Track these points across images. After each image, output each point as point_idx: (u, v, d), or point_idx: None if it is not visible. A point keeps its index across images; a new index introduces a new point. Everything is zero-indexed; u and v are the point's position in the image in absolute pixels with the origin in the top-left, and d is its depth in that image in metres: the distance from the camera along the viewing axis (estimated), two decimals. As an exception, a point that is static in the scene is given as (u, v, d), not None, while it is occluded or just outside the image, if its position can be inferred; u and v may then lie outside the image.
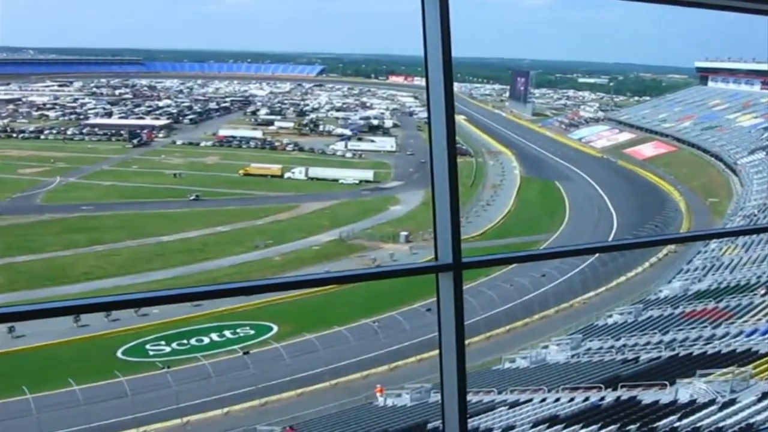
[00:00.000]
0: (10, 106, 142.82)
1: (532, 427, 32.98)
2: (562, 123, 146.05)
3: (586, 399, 35.32)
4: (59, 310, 4.90)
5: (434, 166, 5.75)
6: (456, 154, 5.74)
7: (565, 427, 31.69)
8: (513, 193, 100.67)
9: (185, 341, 55.40)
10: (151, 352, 53.72)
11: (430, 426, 35.61)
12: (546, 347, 48.49)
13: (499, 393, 38.80)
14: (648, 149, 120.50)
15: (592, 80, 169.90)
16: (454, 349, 5.91)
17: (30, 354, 52.10)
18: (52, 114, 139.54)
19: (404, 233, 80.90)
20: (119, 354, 52.86)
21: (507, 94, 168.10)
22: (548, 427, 32.35)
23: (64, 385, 44.99)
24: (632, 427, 29.91)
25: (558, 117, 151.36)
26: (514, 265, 62.05)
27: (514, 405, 36.79)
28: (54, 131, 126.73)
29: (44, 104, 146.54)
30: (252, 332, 57.09)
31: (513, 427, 33.30)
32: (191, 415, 43.91)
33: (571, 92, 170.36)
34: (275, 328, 57.38)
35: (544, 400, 36.84)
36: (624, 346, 44.68)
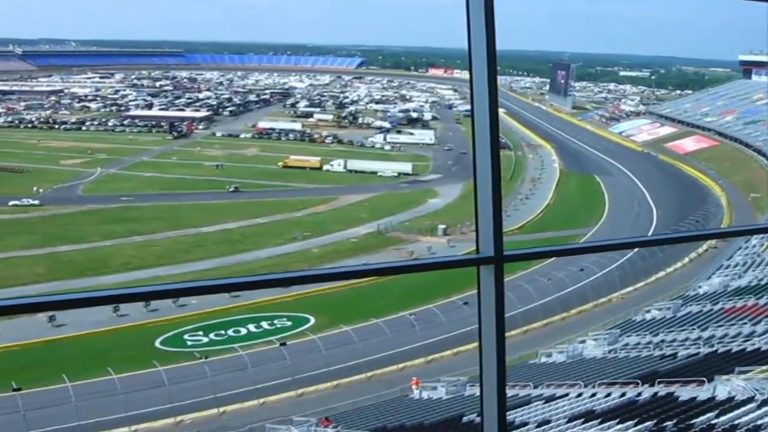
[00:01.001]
0: (53, 98, 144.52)
1: (568, 421, 32.74)
2: (603, 116, 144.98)
3: (623, 394, 35.01)
4: (99, 299, 4.90)
5: (477, 159, 5.70)
6: (499, 147, 5.69)
7: (600, 423, 31.44)
8: (552, 187, 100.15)
9: (223, 332, 55.75)
10: (189, 342, 54.14)
11: (465, 419, 35.50)
12: (583, 342, 48.16)
13: (535, 387, 38.57)
14: (689, 143, 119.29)
15: (633, 73, 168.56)
16: (494, 342, 5.83)
17: (70, 343, 52.75)
18: (93, 105, 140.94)
19: (442, 226, 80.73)
20: (157, 344, 53.32)
21: (547, 87, 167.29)
22: (584, 422, 32.10)
23: (102, 374, 45.39)
24: (669, 423, 29.60)
25: (598, 110, 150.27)
26: (552, 259, 61.77)
27: (549, 399, 36.57)
28: (95, 123, 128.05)
29: (86, 96, 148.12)
30: (289, 324, 57.32)
31: (548, 422, 33.06)
32: (227, 405, 44.16)
33: (612, 86, 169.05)
34: (312, 320, 57.54)
35: (580, 395, 36.57)
36: (662, 341, 44.27)
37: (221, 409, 43.93)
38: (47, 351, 51.73)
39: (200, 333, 55.40)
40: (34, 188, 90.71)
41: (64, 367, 46.58)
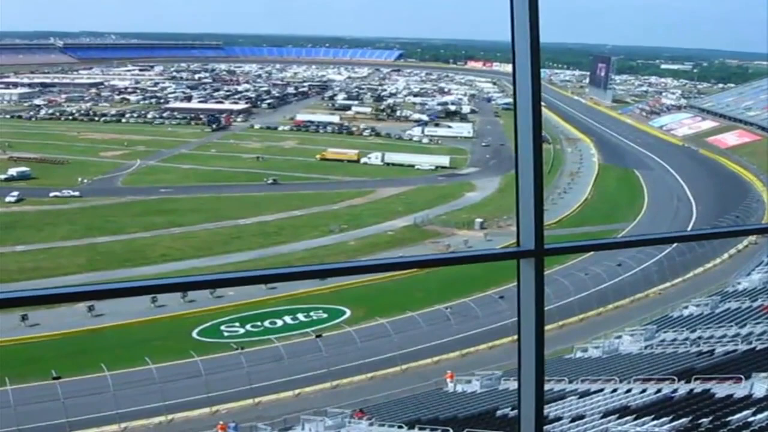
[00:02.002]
0: (93, 90, 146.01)
1: (602, 417, 32.54)
2: (643, 110, 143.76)
3: (659, 391, 34.72)
4: (137, 289, 4.97)
5: (519, 152, 5.70)
6: (542, 140, 5.68)
7: (635, 419, 31.21)
8: (590, 181, 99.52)
9: (259, 323, 56.05)
10: (225, 333, 54.48)
11: (499, 413, 35.44)
12: (619, 337, 47.81)
13: (570, 382, 38.38)
14: (731, 138, 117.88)
15: (675, 66, 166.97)
16: (533, 336, 5.83)
17: (109, 332, 53.32)
18: (133, 98, 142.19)
19: (479, 220, 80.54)
20: (194, 334, 53.74)
21: (587, 80, 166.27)
22: (618, 418, 31.89)
23: (140, 364, 45.90)
24: (704, 420, 29.32)
25: (639, 104, 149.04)
26: (589, 253, 61.42)
27: (584, 394, 36.37)
28: (135, 115, 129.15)
29: (126, 88, 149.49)
30: (325, 316, 57.50)
31: (583, 417, 32.89)
32: (263, 396, 44.43)
33: (653, 79, 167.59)
34: (348, 312, 57.69)
35: (615, 390, 36.33)
36: (699, 338, 43.83)
37: (257, 400, 44.21)
38: (86, 340, 52.34)
39: (237, 324, 55.74)
40: (79, 179, 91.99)
41: (102, 356, 47.10)
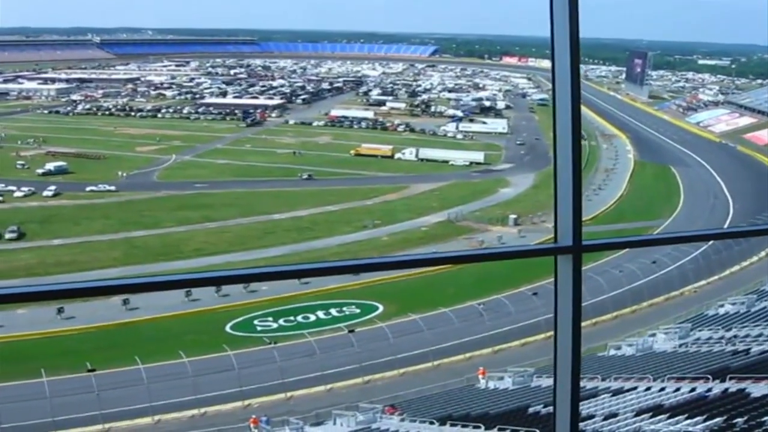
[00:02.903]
0: (129, 86, 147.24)
1: (636, 415, 32.29)
2: (680, 106, 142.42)
3: (693, 390, 34.40)
4: (171, 283, 4.98)
5: (558, 148, 5.69)
6: (581, 136, 5.64)
7: (669, 417, 30.94)
8: (626, 178, 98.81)
9: (292, 318, 56.28)
10: (258, 328, 54.73)
11: (531, 410, 35.32)
12: (653, 335, 47.43)
13: (603, 380, 38.16)
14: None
15: (712, 62, 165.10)
16: (569, 333, 5.81)
17: (143, 326, 53.76)
18: (169, 93, 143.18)
19: (513, 216, 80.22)
20: (228, 328, 54.02)
21: (623, 76, 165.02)
22: (652, 416, 31.64)
23: (174, 357, 46.16)
24: (739, 420, 28.99)
25: (675, 100, 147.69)
26: (624, 251, 61.00)
27: (617, 392, 36.13)
28: (170, 110, 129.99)
29: (162, 84, 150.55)
30: (357, 311, 57.58)
31: (615, 415, 32.66)
32: (295, 391, 44.58)
33: (690, 74, 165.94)
34: (381, 308, 57.72)
35: (648, 388, 36.05)
36: (735, 337, 43.27)
37: (289, 394, 44.39)
38: (121, 333, 52.82)
39: (270, 319, 55.97)
40: (119, 173, 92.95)
41: (136, 349, 47.46)
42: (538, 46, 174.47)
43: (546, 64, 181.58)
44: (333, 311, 57.50)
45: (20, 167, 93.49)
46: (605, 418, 32.54)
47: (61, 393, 41.25)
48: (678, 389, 34.99)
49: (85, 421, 40.69)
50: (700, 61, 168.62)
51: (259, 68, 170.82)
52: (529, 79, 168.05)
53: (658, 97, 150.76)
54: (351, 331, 51.42)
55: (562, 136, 5.64)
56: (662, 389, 35.66)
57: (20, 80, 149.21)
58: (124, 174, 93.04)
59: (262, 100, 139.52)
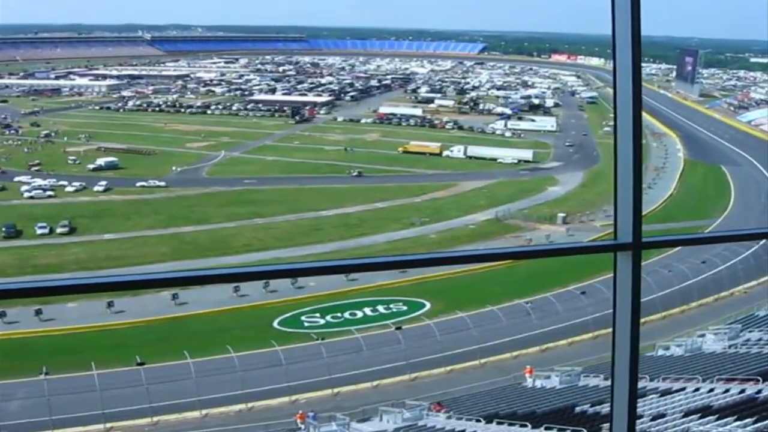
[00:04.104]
0: (179, 82, 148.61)
1: (684, 416, 31.82)
2: (731, 105, 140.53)
3: (742, 391, 33.81)
4: (220, 277, 4.98)
5: (618, 145, 5.65)
6: (641, 133, 5.61)
7: (718, 419, 30.44)
8: (676, 177, 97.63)
9: (339, 314, 56.31)
10: (305, 324, 54.84)
11: (578, 409, 34.98)
12: (702, 336, 46.78)
13: (651, 380, 37.65)
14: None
15: (764, 60, 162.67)
16: (628, 330, 5.76)
17: (191, 320, 54.17)
18: (218, 90, 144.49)
19: (561, 214, 79.66)
20: (275, 324, 54.19)
21: (674, 74, 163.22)
22: (700, 418, 31.15)
23: (222, 352, 46.38)
24: (791, 422, 28.55)
25: (727, 98, 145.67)
26: (674, 250, 60.35)
27: (665, 393, 35.63)
28: (220, 107, 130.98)
29: (211, 80, 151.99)
30: (405, 308, 57.49)
31: (663, 416, 32.21)
32: (341, 387, 44.61)
33: (741, 73, 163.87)
34: (428, 305, 57.59)
35: (697, 389, 35.50)
36: (786, 338, 42.69)
37: (335, 390, 44.42)
38: (170, 328, 53.26)
39: (317, 315, 56.09)
40: (172, 167, 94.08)
41: (185, 343, 47.79)
42: (588, 44, 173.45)
43: (595, 61, 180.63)
44: (380, 308, 57.49)
45: (72, 162, 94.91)
46: (653, 419, 32.11)
47: (111, 386, 41.67)
48: (727, 390, 34.45)
49: (134, 414, 41.09)
50: (752, 59, 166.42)
51: (308, 65, 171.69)
52: (578, 76, 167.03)
53: (709, 96, 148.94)
54: (398, 328, 51.27)
55: (623, 133, 5.59)
56: (711, 390, 35.13)
57: (72, 76, 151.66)
58: (178, 168, 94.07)
59: (310, 97, 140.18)
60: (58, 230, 71.60)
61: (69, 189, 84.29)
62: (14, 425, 38.24)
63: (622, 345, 5.79)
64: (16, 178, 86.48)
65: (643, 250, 5.68)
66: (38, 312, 52.44)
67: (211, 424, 40.73)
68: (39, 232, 70.97)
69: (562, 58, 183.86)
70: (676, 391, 36.17)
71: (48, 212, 76.32)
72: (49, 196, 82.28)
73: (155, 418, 41.06)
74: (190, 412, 41.79)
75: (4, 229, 70.11)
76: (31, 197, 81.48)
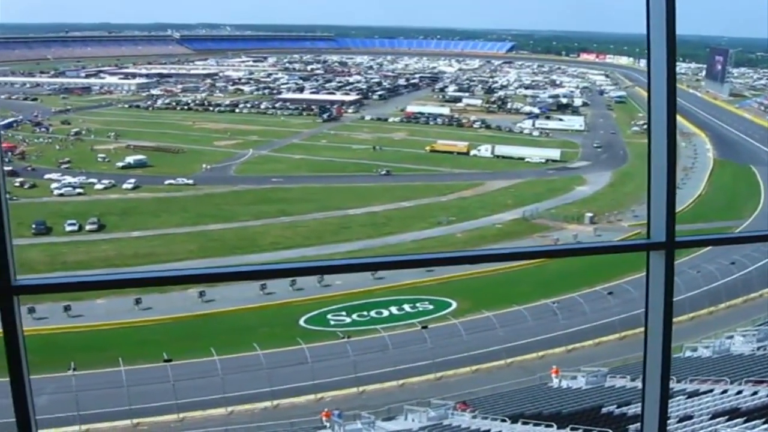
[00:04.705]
0: (208, 81, 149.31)
1: (711, 418, 31.60)
2: (762, 104, 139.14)
3: (771, 393, 33.61)
4: (246, 274, 5.02)
5: (652, 144, 5.62)
6: (676, 132, 5.57)
7: (746, 421, 30.17)
8: (705, 177, 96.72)
9: (365, 313, 56.39)
10: (332, 322, 54.97)
11: (604, 410, 34.82)
12: (731, 337, 46.40)
13: (678, 381, 37.39)
14: None
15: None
16: (660, 329, 5.77)
17: (219, 318, 54.41)
18: (246, 88, 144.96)
19: (589, 214, 79.26)
20: (302, 322, 54.35)
21: (703, 74, 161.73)
22: (728, 420, 30.90)
23: (248, 349, 46.61)
24: (820, 425, 28.26)
25: (757, 98, 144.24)
26: (703, 250, 59.88)
27: (692, 395, 35.37)
28: (248, 105, 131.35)
29: (239, 79, 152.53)
30: (431, 307, 57.44)
31: (690, 417, 32.01)
32: (367, 385, 44.68)
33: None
34: (454, 304, 57.51)
35: (725, 391, 35.19)
36: (816, 340, 42.25)
37: (361, 389, 44.51)
38: (197, 325, 53.59)
39: (343, 313, 56.20)
40: (203, 165, 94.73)
41: (212, 340, 48.04)
42: (617, 43, 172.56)
43: (624, 61, 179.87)
44: (406, 307, 57.50)
45: (101, 160, 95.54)
46: (680, 420, 31.93)
47: (138, 382, 42.00)
48: (755, 393, 34.14)
49: (160, 410, 41.37)
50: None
51: (336, 64, 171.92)
52: (607, 76, 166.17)
53: (739, 95, 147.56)
54: (424, 327, 51.23)
55: (656, 132, 5.58)
56: (739, 392, 34.84)
57: (102, 75, 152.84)
58: (208, 166, 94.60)
59: (338, 96, 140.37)
60: (87, 227, 72.25)
61: (98, 186, 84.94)
62: (42, 420, 38.49)
63: (654, 344, 5.80)
64: (47, 176, 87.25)
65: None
66: (67, 308, 52.95)
67: (236, 422, 40.93)
68: (68, 229, 71.67)
69: (590, 57, 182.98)
70: (704, 392, 35.90)
71: (77, 209, 76.99)
72: (79, 194, 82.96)
73: (181, 415, 41.36)
74: (215, 409, 42.08)
75: (34, 225, 70.70)
76: (61, 194, 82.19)
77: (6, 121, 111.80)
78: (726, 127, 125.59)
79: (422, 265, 5.68)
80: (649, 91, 5.58)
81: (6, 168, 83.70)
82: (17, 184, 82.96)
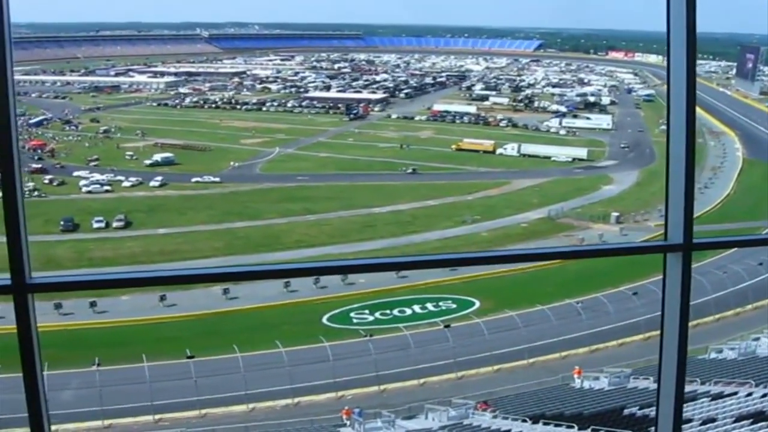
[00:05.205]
0: (236, 79, 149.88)
1: (735, 421, 31.30)
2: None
3: (798, 397, 33.27)
4: (270, 272, 5.09)
5: (671, 145, 5.63)
6: (695, 133, 5.57)
7: (771, 424, 29.96)
8: (733, 176, 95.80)
9: (388, 311, 56.39)
10: (354, 320, 55.00)
11: (626, 412, 34.61)
12: (757, 339, 45.97)
13: (702, 383, 37.11)
14: None
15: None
16: (676, 332, 5.76)
17: (241, 315, 54.64)
18: (274, 87, 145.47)
19: (615, 214, 78.77)
20: (324, 320, 54.44)
21: (733, 72, 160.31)
22: (752, 423, 30.59)
23: (270, 347, 46.77)
24: None
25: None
26: (729, 251, 59.34)
27: (717, 397, 35.05)
28: (275, 104, 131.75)
29: (267, 77, 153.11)
30: (454, 306, 57.35)
31: (714, 420, 31.71)
32: (388, 384, 44.71)
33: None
34: (477, 303, 57.39)
35: (750, 394, 34.84)
36: None
37: (382, 387, 44.54)
38: (220, 322, 53.85)
39: (366, 311, 56.23)
40: (231, 163, 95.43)
41: (234, 337, 48.23)
42: (646, 41, 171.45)
43: (653, 59, 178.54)
44: (429, 306, 57.45)
45: (129, 158, 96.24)
46: (703, 423, 31.68)
47: (161, 378, 42.31)
48: (782, 396, 33.86)
49: (182, 406, 41.62)
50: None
51: (363, 62, 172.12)
52: (636, 74, 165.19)
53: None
54: (447, 326, 51.13)
55: (675, 133, 5.57)
56: (765, 395, 34.50)
57: (131, 73, 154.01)
58: (235, 164, 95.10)
59: (365, 94, 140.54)
60: (114, 224, 72.83)
61: (126, 184, 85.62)
62: (67, 414, 38.98)
63: (669, 347, 5.80)
64: (75, 173, 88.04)
65: (697, 252, 5.65)
66: (93, 304, 53.33)
67: (257, 418, 41.14)
68: (95, 225, 72.28)
69: (619, 55, 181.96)
70: (728, 395, 35.58)
71: (105, 206, 77.64)
72: (106, 191, 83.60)
73: (203, 411, 41.58)
74: (237, 406, 42.25)
75: (62, 222, 71.45)
76: (89, 192, 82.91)
77: (36, 119, 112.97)
78: (756, 126, 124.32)
79: (444, 265, 5.72)
80: (668, 92, 5.60)
81: (35, 165, 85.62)
82: (46, 182, 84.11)
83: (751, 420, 31.34)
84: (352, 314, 55.78)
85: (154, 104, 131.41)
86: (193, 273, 5.34)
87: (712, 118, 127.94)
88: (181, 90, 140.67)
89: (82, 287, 4.96)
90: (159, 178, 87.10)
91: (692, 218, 5.62)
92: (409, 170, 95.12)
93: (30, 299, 4.47)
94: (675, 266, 5.65)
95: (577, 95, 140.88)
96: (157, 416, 40.96)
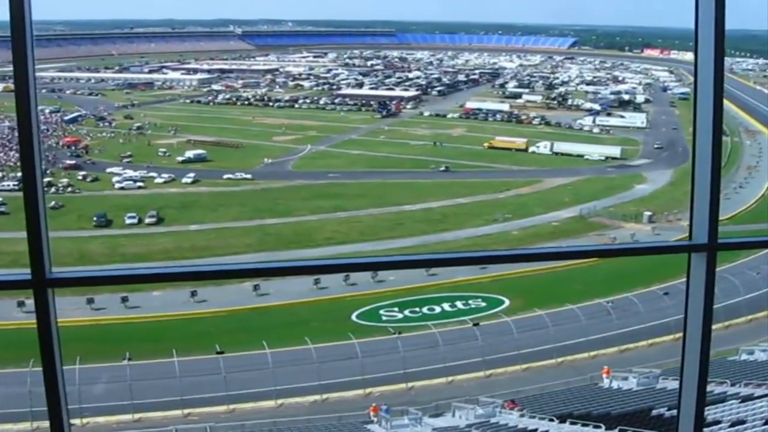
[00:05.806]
0: (268, 76, 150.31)
1: (765, 424, 31.02)
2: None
3: (831, 399, 32.91)
4: (301, 269, 5.15)
5: (697, 143, 5.63)
6: (722, 132, 5.58)
7: (801, 429, 29.66)
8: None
9: (417, 309, 56.45)
10: (384, 318, 55.09)
11: (654, 412, 34.41)
12: (790, 341, 45.60)
13: (732, 385, 36.82)
14: None
15: None
16: (699, 333, 5.75)
17: (272, 311, 54.94)
18: (306, 84, 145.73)
19: (647, 213, 78.18)
20: (354, 317, 54.60)
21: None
22: (782, 426, 30.40)
23: (300, 343, 46.96)
24: None
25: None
26: (764, 252, 58.70)
27: (746, 399, 34.74)
28: (307, 101, 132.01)
29: (300, 74, 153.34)
30: (483, 304, 57.26)
31: (743, 422, 31.43)
32: (416, 381, 44.76)
33: None
34: (507, 302, 57.26)
35: (781, 397, 34.63)
36: None
37: (410, 384, 44.61)
38: (250, 318, 54.20)
39: (395, 309, 56.29)
40: (264, 159, 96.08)
41: (264, 334, 48.53)
42: (682, 38, 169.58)
43: (689, 56, 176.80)
44: (459, 304, 57.41)
45: (162, 154, 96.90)
46: (732, 425, 31.41)
47: (191, 373, 42.68)
48: (814, 399, 33.51)
49: (211, 401, 41.96)
50: None
51: (396, 60, 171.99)
52: (671, 72, 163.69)
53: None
54: (476, 325, 51.10)
55: (702, 131, 5.57)
56: (796, 398, 34.21)
57: (165, 70, 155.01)
58: (270, 160, 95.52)
59: (397, 92, 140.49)
60: (147, 220, 73.52)
61: (158, 180, 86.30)
62: (98, 407, 39.46)
63: (692, 348, 5.80)
64: (108, 169, 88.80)
65: (729, 252, 5.65)
66: (124, 299, 53.93)
67: (285, 414, 41.34)
68: (128, 221, 72.99)
69: (654, 52, 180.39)
70: (759, 397, 35.26)
71: (137, 203, 78.33)
72: (139, 187, 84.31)
73: (231, 406, 41.89)
74: (265, 402, 42.53)
75: (95, 218, 72.24)
76: (122, 188, 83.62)
77: (71, 116, 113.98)
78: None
79: (474, 263, 5.75)
80: (695, 91, 5.61)
81: (70, 161, 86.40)
82: (80, 178, 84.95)
83: (782, 423, 31.07)
84: (381, 312, 55.88)
85: (187, 101, 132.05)
86: (221, 269, 5.42)
87: (749, 117, 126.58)
88: (214, 87, 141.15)
89: (101, 282, 5.03)
90: (191, 174, 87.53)
91: (717, 218, 5.59)
92: (442, 168, 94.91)
93: (50, 294, 4.55)
94: (699, 266, 5.65)
95: (612, 93, 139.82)
96: (186, 411, 41.31)
